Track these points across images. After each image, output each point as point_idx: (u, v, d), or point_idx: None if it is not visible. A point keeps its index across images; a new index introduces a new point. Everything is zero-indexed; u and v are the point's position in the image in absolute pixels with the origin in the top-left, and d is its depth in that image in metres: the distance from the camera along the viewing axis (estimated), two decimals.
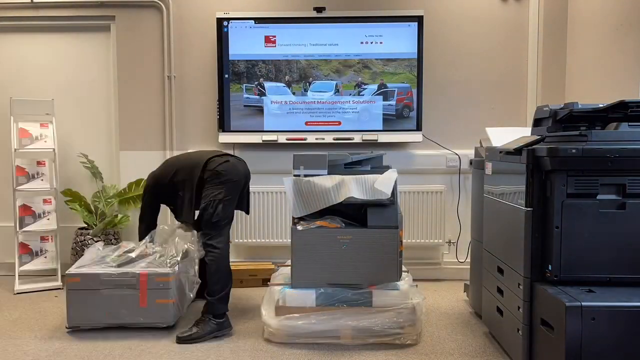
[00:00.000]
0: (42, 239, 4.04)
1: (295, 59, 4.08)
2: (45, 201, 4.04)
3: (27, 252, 4.00)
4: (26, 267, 3.98)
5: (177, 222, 3.45)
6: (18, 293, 3.84)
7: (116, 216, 4.11)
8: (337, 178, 2.89)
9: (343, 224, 2.93)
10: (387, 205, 2.88)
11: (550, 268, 2.29)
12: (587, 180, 2.25)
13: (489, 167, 2.96)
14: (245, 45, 4.08)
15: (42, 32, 4.32)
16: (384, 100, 4.07)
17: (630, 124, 2.27)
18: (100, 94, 4.35)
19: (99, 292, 2.99)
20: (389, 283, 2.88)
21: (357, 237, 2.89)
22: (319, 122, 4.09)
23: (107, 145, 4.36)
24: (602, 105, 2.38)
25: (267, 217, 4.14)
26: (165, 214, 3.74)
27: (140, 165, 4.16)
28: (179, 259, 3.20)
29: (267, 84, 4.09)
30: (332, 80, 4.08)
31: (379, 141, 4.06)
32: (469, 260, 3.57)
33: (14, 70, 4.33)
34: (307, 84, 4.09)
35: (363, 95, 4.08)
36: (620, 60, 3.25)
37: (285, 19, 4.06)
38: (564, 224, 2.26)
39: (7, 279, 4.14)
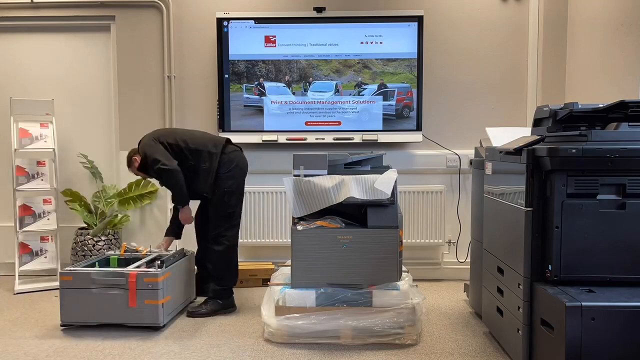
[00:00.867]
0: (42, 239, 4.04)
1: (295, 59, 4.08)
2: (45, 201, 4.05)
3: (27, 252, 4.00)
4: (26, 267, 3.98)
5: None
6: (18, 293, 3.84)
7: (116, 216, 4.11)
8: (337, 178, 2.88)
9: (343, 224, 2.93)
10: (387, 205, 2.88)
11: (550, 268, 2.29)
12: (587, 180, 2.25)
13: (489, 167, 2.96)
14: (245, 45, 4.08)
15: (42, 32, 4.32)
16: (384, 100, 4.07)
17: (630, 124, 2.27)
18: (100, 94, 4.35)
19: (90, 291, 3.04)
20: (389, 283, 2.87)
21: (357, 237, 2.89)
22: (319, 122, 4.10)
23: (107, 145, 4.36)
24: (602, 105, 2.37)
25: (267, 217, 4.14)
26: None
27: None
28: (171, 258, 3.25)
29: (267, 84, 4.09)
30: (332, 80, 4.08)
31: (379, 141, 4.06)
32: (469, 260, 3.57)
33: (14, 70, 4.34)
34: (307, 84, 4.09)
35: (363, 95, 4.08)
36: (620, 60, 3.25)
37: (285, 19, 4.06)
38: (564, 224, 2.26)
39: (7, 279, 4.14)
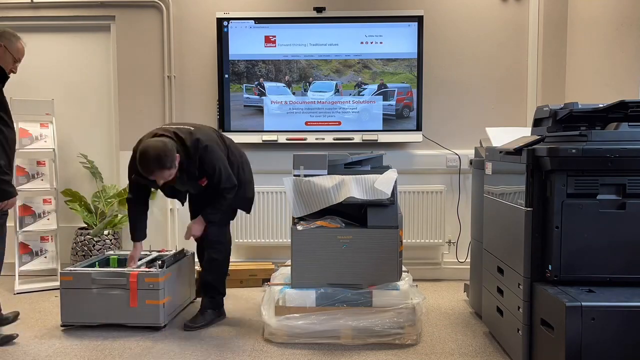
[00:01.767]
0: (42, 239, 4.04)
1: (295, 59, 4.08)
2: (45, 201, 4.05)
3: (27, 252, 4.00)
4: (26, 267, 3.98)
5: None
6: (18, 293, 3.84)
7: (116, 216, 4.11)
8: (337, 178, 2.88)
9: (343, 224, 2.93)
10: (387, 205, 2.88)
11: (550, 268, 2.29)
12: (587, 180, 2.25)
13: (489, 167, 2.96)
14: (245, 45, 4.08)
15: (42, 32, 4.32)
16: (384, 100, 4.07)
17: (630, 124, 2.27)
18: (100, 94, 4.35)
19: (90, 291, 3.02)
20: (389, 283, 2.87)
21: (357, 237, 2.88)
22: (319, 122, 4.10)
23: (107, 145, 4.36)
24: (602, 105, 2.37)
25: (267, 217, 4.14)
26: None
27: None
28: (172, 258, 3.24)
29: (267, 84, 4.09)
30: (332, 80, 4.08)
31: (379, 141, 4.06)
32: (469, 260, 3.57)
33: None
34: (307, 84, 4.09)
35: (363, 95, 4.08)
36: (620, 60, 3.25)
37: (285, 19, 4.06)
38: (564, 224, 2.26)
39: (7, 279, 4.13)
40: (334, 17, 4.05)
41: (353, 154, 3.19)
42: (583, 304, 2.04)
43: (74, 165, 4.28)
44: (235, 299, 3.64)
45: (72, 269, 3.11)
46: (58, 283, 3.93)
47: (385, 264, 2.87)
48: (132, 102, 4.22)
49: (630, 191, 2.24)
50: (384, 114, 4.07)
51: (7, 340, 2.89)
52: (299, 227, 2.90)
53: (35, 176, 4.02)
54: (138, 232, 3.17)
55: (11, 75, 3.11)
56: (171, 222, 4.23)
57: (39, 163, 4.05)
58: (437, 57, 4.13)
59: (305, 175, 2.92)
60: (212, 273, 3.23)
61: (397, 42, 4.04)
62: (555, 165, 2.24)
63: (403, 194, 4.04)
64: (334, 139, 4.07)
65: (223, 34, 4.05)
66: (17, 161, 3.96)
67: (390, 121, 4.08)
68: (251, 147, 4.12)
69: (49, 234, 4.05)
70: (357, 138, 4.07)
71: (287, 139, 4.08)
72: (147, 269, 3.09)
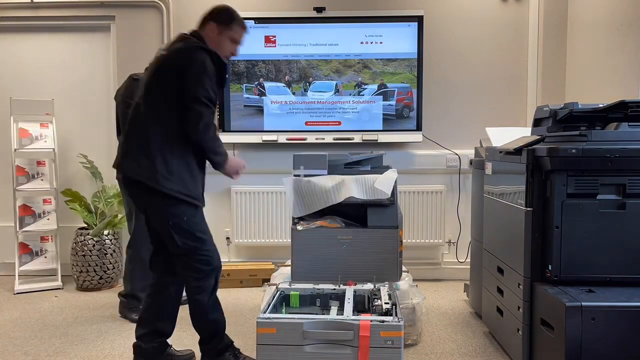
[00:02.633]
0: (42, 239, 4.05)
1: (295, 59, 4.08)
2: (45, 201, 4.05)
3: (27, 252, 4.00)
4: (26, 267, 3.98)
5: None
6: (18, 293, 3.84)
7: (116, 216, 4.11)
8: (337, 178, 2.88)
9: (343, 224, 2.92)
10: (387, 205, 2.87)
11: (550, 268, 2.29)
12: (587, 180, 2.25)
13: (489, 167, 2.96)
14: (245, 45, 4.04)
15: (42, 32, 4.32)
16: (384, 100, 4.07)
17: (630, 124, 2.27)
18: (100, 93, 4.35)
19: (301, 350, 2.10)
20: (389, 279, 2.83)
21: (357, 237, 2.88)
22: (319, 122, 4.09)
23: (107, 145, 4.36)
24: (602, 105, 2.37)
25: (267, 217, 4.14)
26: None
27: None
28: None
29: (267, 84, 4.09)
30: (332, 80, 4.08)
31: (379, 141, 4.06)
32: (469, 260, 3.57)
33: (14, 70, 4.33)
34: (307, 84, 4.09)
35: (363, 95, 4.08)
36: (620, 60, 3.25)
37: (285, 19, 4.05)
38: (564, 224, 2.26)
39: (7, 279, 4.14)
40: (334, 17, 4.05)
41: (353, 153, 3.19)
42: (583, 304, 2.04)
43: (74, 165, 4.27)
44: (235, 299, 3.64)
45: (271, 315, 2.18)
46: (58, 283, 3.98)
47: (386, 264, 2.86)
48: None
49: (630, 191, 2.25)
50: (384, 114, 4.07)
51: None
52: (299, 227, 2.90)
53: (35, 176, 4.03)
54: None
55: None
56: None
57: (39, 163, 4.05)
58: (437, 57, 4.13)
59: (305, 176, 2.92)
60: (199, 317, 2.48)
61: (397, 42, 4.04)
62: (555, 165, 2.24)
63: (403, 194, 4.04)
64: (334, 139, 4.07)
65: None
66: (17, 161, 3.97)
67: (390, 121, 4.08)
68: (251, 147, 4.12)
69: (49, 234, 4.05)
70: (357, 138, 4.07)
71: (287, 139, 4.08)
72: (380, 318, 2.12)
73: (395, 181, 2.89)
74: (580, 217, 2.25)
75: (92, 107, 4.36)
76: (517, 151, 2.45)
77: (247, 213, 4.11)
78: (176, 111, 2.27)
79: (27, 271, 4.01)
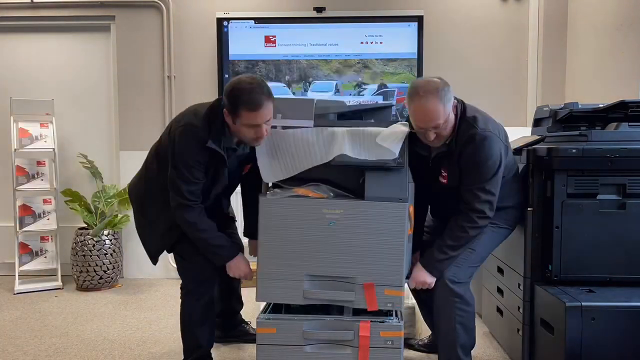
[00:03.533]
0: (42, 239, 4.05)
1: (295, 59, 4.08)
2: (45, 201, 4.05)
3: (27, 252, 4.00)
4: (26, 267, 3.98)
5: None
6: (18, 293, 3.84)
7: (116, 216, 4.11)
8: (325, 131, 2.12)
9: (331, 194, 2.12)
10: (394, 170, 2.08)
11: (550, 268, 2.29)
12: (587, 180, 2.25)
13: None
14: (245, 45, 4.07)
15: (42, 32, 4.32)
16: (384, 100, 4.07)
17: (630, 124, 2.27)
18: (100, 94, 4.35)
19: (301, 351, 2.06)
20: (391, 279, 2.09)
21: (349, 212, 2.07)
22: None
23: (107, 145, 4.36)
24: (602, 105, 2.38)
25: None
26: None
27: (140, 165, 4.15)
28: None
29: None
30: (332, 80, 4.08)
31: None
32: None
33: (14, 70, 4.33)
34: (307, 84, 4.09)
35: (363, 95, 4.07)
36: (620, 61, 3.25)
37: (285, 18, 4.05)
38: (564, 224, 2.26)
39: (7, 279, 4.14)
40: (334, 17, 4.05)
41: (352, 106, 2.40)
42: (583, 304, 2.04)
43: (74, 165, 4.27)
44: None
45: (272, 316, 2.13)
46: (58, 283, 3.98)
47: (389, 252, 2.07)
48: (132, 102, 4.22)
49: (630, 191, 2.24)
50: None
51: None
52: (270, 196, 2.12)
53: (35, 176, 4.03)
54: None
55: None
56: None
57: (39, 163, 4.05)
58: (437, 57, 4.13)
59: (284, 128, 2.16)
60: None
61: (397, 42, 4.04)
62: (555, 165, 2.24)
63: None
64: None
65: (223, 34, 4.05)
66: (17, 161, 3.97)
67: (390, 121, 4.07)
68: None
69: (49, 234, 4.05)
70: None
71: None
72: (380, 318, 2.09)
73: (406, 138, 2.12)
74: (581, 217, 2.25)
75: (92, 107, 4.36)
76: (517, 151, 2.45)
77: None
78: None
79: (27, 271, 4.01)
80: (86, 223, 4.11)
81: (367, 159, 2.07)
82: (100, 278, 3.93)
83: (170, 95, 4.19)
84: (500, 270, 2.74)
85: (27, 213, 3.99)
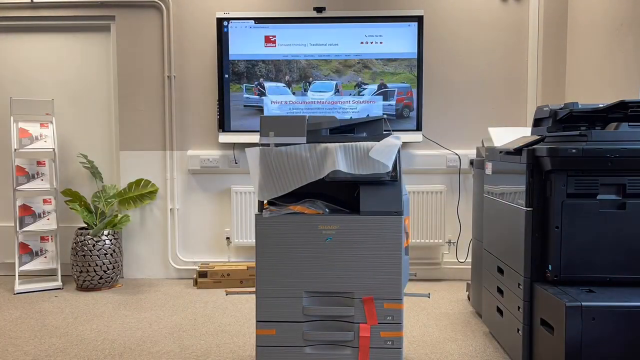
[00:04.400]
0: (42, 239, 4.05)
1: (295, 59, 4.08)
2: (45, 201, 4.05)
3: (27, 252, 4.00)
4: (26, 267, 3.98)
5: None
6: (18, 293, 3.84)
7: (116, 216, 4.11)
8: (318, 147, 2.18)
9: (327, 210, 2.20)
10: (388, 184, 2.17)
11: (550, 268, 2.29)
12: (587, 180, 2.25)
13: (489, 167, 2.97)
14: (245, 45, 4.08)
15: (42, 32, 4.32)
16: (384, 100, 4.07)
17: (630, 124, 2.27)
18: (100, 94, 4.35)
19: (301, 352, 2.09)
20: (390, 292, 2.17)
21: (345, 227, 2.15)
22: None
23: (107, 145, 4.36)
24: (602, 105, 2.38)
25: None
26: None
27: (140, 165, 4.17)
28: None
29: (267, 84, 4.09)
30: (332, 80, 4.08)
31: None
32: (469, 260, 3.57)
33: (14, 70, 4.34)
34: (307, 84, 4.09)
35: (363, 95, 4.08)
36: (620, 60, 3.25)
37: (285, 19, 4.06)
38: (564, 224, 2.26)
39: (7, 279, 4.14)
40: (334, 17, 4.05)
41: (344, 121, 2.40)
42: (583, 304, 2.04)
43: (74, 165, 4.28)
44: (235, 299, 3.64)
45: (272, 317, 2.18)
46: (58, 283, 3.98)
47: (386, 265, 2.16)
48: (132, 102, 4.22)
49: (630, 191, 2.25)
50: (384, 114, 4.07)
51: None
52: (265, 214, 2.20)
53: (35, 176, 4.03)
54: None
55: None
56: (171, 223, 4.22)
57: (39, 163, 4.05)
58: (437, 57, 4.13)
59: (277, 145, 2.21)
60: None
61: (397, 42, 4.04)
62: (555, 165, 2.24)
63: None
64: None
65: (223, 34, 4.05)
66: (17, 161, 3.97)
67: (390, 121, 4.07)
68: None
69: (49, 234, 4.05)
70: None
71: None
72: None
73: (399, 151, 2.19)
74: (580, 217, 2.25)
75: (92, 107, 4.36)
76: (517, 151, 2.45)
77: (247, 213, 4.11)
78: None
79: (27, 271, 4.01)
80: (86, 223, 4.11)
81: (361, 174, 2.14)
82: (100, 278, 3.93)
83: (170, 95, 4.19)
84: (500, 270, 2.74)
85: (27, 213, 3.99)
